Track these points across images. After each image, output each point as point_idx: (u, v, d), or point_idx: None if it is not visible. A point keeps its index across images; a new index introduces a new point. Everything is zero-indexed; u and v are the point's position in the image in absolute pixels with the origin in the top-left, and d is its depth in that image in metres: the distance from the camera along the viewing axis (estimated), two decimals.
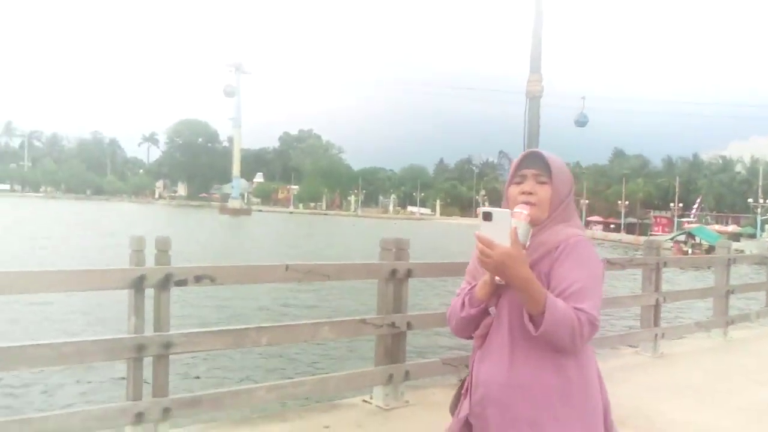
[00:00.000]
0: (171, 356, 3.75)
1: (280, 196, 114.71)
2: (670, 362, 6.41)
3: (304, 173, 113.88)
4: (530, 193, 1.91)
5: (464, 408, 1.94)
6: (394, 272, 4.63)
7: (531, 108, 5.15)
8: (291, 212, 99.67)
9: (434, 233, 49.18)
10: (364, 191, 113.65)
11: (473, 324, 1.93)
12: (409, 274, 4.72)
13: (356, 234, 47.03)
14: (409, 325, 4.72)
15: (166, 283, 3.68)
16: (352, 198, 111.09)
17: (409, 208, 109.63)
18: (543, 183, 1.92)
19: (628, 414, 4.68)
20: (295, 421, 4.22)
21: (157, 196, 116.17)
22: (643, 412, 4.74)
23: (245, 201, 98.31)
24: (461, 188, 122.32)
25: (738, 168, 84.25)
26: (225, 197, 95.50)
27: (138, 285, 3.59)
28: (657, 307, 6.65)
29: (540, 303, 1.72)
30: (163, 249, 3.74)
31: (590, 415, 1.87)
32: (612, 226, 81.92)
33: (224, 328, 3.94)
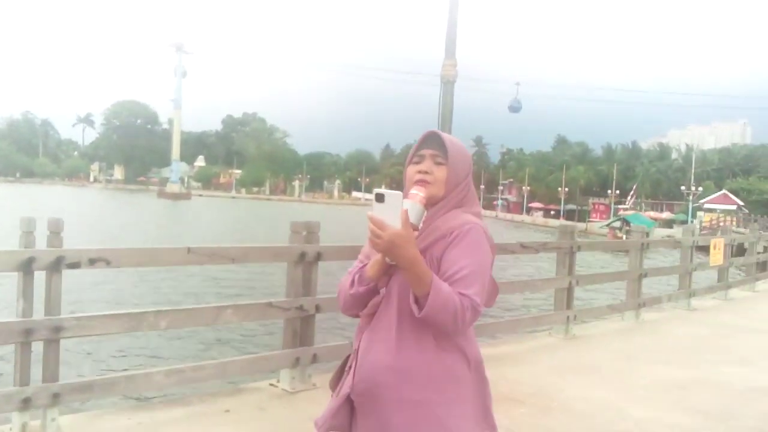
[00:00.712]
0: (79, 340, 3.66)
1: (222, 180, 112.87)
2: (581, 344, 6.63)
3: (247, 157, 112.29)
4: (426, 173, 1.93)
5: (347, 386, 1.93)
6: (303, 255, 4.61)
7: (445, 92, 5.20)
8: (233, 197, 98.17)
9: None
10: (309, 176, 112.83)
11: (361, 302, 1.94)
12: (318, 257, 4.71)
13: (329, 217, 46.63)
14: (318, 308, 4.72)
15: (57, 265, 3.57)
16: (297, 183, 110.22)
17: (354, 194, 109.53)
18: (440, 164, 1.94)
19: (531, 392, 4.84)
20: (197, 405, 4.19)
21: (92, 179, 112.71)
22: (545, 391, 4.89)
23: (185, 185, 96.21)
24: None
25: (674, 155, 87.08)
26: (164, 181, 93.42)
27: (26, 267, 3.48)
28: (570, 290, 6.85)
29: (425, 285, 1.74)
30: (55, 231, 3.63)
31: (475, 397, 1.92)
32: (552, 212, 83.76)
33: (119, 311, 3.85)
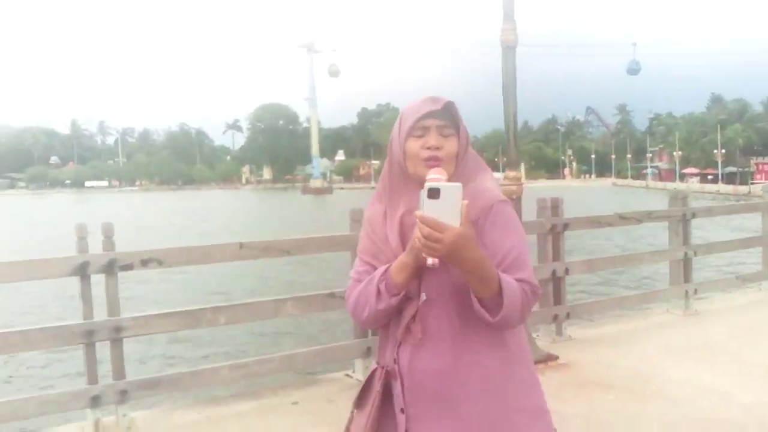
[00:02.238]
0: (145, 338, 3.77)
1: (362, 172, 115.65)
2: (701, 320, 5.95)
3: (383, 147, 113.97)
4: (437, 148, 1.67)
5: (398, 400, 1.69)
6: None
7: (506, 58, 4.81)
8: (372, 187, 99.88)
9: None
10: None
11: (389, 314, 1.68)
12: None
13: None
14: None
15: (110, 268, 3.71)
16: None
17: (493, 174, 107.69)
18: (448, 136, 1.69)
19: (625, 376, 4.40)
20: (266, 398, 4.21)
21: (244, 181, 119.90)
22: (643, 374, 4.43)
23: (327, 179, 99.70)
24: (547, 150, 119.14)
25: None
26: (308, 177, 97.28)
27: (82, 272, 3.64)
28: (687, 261, 6.17)
29: (493, 284, 1.54)
30: (107, 235, 3.77)
31: (533, 383, 1.74)
32: (710, 177, 77.53)
33: (176, 309, 3.94)
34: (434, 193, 1.47)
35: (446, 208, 1.47)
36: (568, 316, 5.38)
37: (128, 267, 3.76)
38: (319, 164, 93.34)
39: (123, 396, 3.72)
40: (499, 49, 4.80)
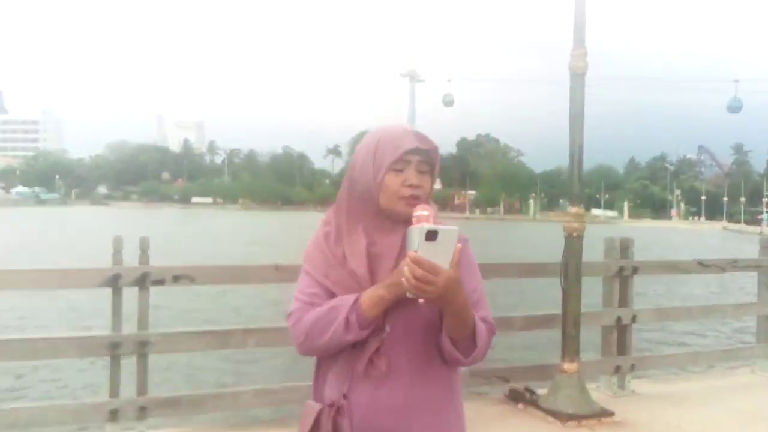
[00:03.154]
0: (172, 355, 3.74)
1: (457, 202, 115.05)
2: None
3: (481, 178, 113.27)
4: (418, 186, 1.62)
5: None
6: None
7: (574, 86, 4.51)
8: (467, 217, 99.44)
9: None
10: (543, 194, 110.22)
11: (349, 344, 1.61)
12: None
13: (529, 239, 45.55)
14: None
15: (142, 281, 3.69)
16: (531, 201, 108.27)
17: (594, 211, 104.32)
18: (424, 173, 1.64)
19: None
20: (294, 428, 4.03)
21: None
22: None
23: None
24: (653, 188, 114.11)
25: None
26: None
27: (114, 283, 3.64)
28: None
29: (469, 326, 1.58)
30: (143, 249, 3.76)
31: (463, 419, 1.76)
32: None
33: (205, 329, 3.87)
34: (432, 236, 1.45)
35: (441, 250, 1.46)
36: (632, 368, 4.92)
37: (160, 282, 3.74)
38: None
39: (142, 412, 3.66)
40: (602, 81, 4.51)
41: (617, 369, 4.86)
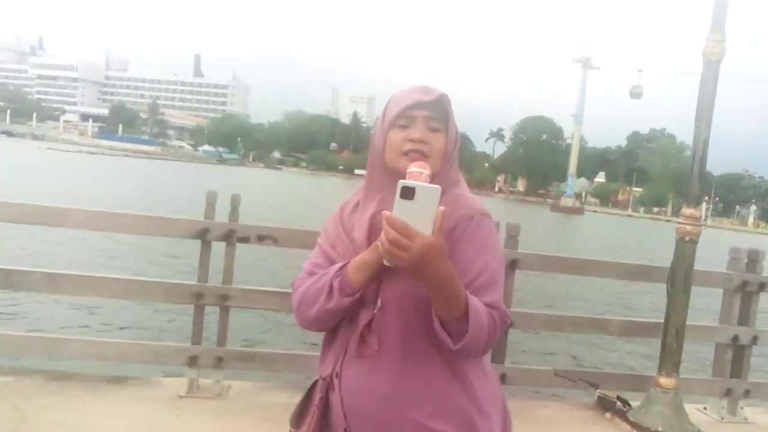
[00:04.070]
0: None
1: (621, 197, 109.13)
2: None
3: (650, 175, 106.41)
4: (422, 141, 1.50)
5: (339, 419, 1.51)
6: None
7: (706, 75, 4.04)
8: (629, 215, 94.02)
9: None
10: (718, 199, 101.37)
11: (338, 316, 1.51)
12: (515, 264, 4.14)
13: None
14: (512, 324, 4.15)
15: (229, 237, 3.84)
16: (703, 206, 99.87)
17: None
18: (436, 130, 1.52)
19: None
20: None
21: (496, 189, 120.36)
22: None
23: (582, 200, 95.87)
24: None
25: None
26: (560, 195, 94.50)
27: (203, 236, 3.82)
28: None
29: (459, 306, 1.38)
30: (234, 206, 3.90)
31: (496, 418, 1.54)
32: None
33: (282, 289, 3.95)
34: (408, 193, 1.29)
35: (419, 212, 1.29)
36: (747, 393, 4.39)
37: (245, 240, 3.87)
38: (574, 183, 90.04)
39: (218, 362, 3.84)
40: None
41: (728, 392, 4.37)
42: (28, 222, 3.64)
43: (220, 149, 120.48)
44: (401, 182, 1.29)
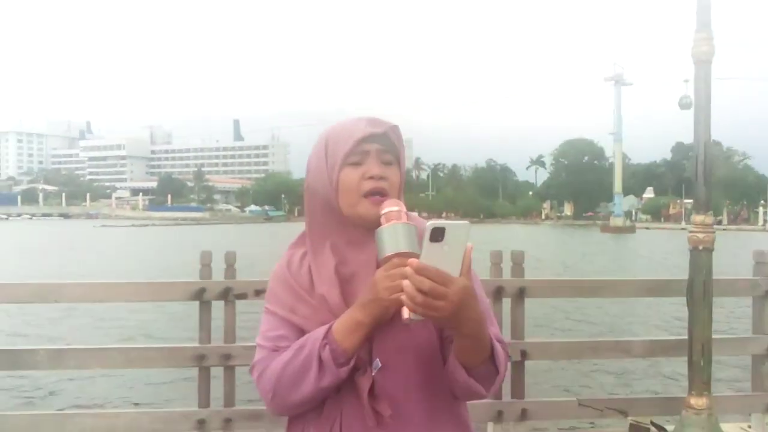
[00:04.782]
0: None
1: (672, 211, 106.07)
2: None
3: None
4: (381, 178, 1.37)
5: None
6: (499, 290, 3.98)
7: (698, 76, 3.89)
8: (682, 228, 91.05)
9: None
10: None
11: (329, 392, 1.33)
12: (522, 293, 3.99)
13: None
14: (524, 354, 3.98)
15: (226, 295, 3.81)
16: (760, 210, 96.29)
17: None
18: (389, 164, 1.40)
19: None
20: None
21: (543, 216, 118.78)
22: None
23: (633, 218, 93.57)
24: None
25: None
26: (608, 215, 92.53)
27: (200, 297, 3.79)
28: None
29: (486, 348, 1.28)
30: (229, 263, 3.87)
31: None
32: None
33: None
34: (438, 235, 1.15)
35: (449, 253, 1.16)
36: None
37: (243, 296, 3.83)
38: (622, 202, 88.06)
39: (227, 424, 3.76)
40: None
41: None
42: (26, 301, 3.69)
43: (266, 207, 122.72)
44: (431, 224, 1.16)
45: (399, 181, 1.41)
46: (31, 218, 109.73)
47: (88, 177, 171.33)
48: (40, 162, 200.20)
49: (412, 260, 1.15)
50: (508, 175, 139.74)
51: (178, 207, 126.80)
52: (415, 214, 1.49)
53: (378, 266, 1.27)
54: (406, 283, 1.15)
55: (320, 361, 1.27)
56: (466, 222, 1.19)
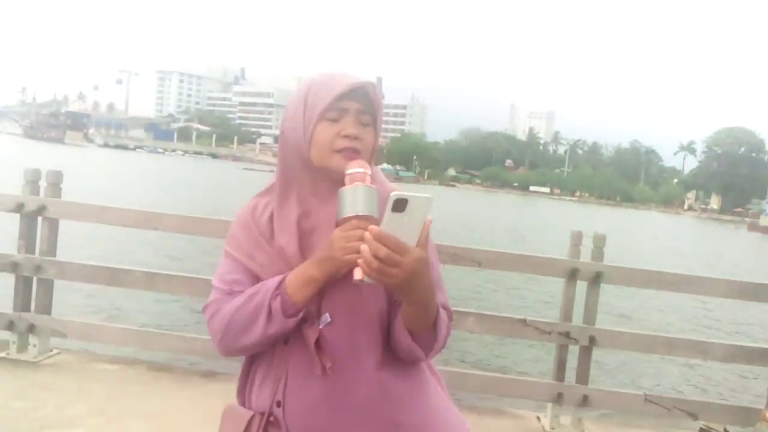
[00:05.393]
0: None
1: None
2: None
3: None
4: (357, 138, 1.36)
5: None
6: (574, 272, 3.88)
7: None
8: None
9: None
10: None
11: (278, 340, 1.37)
12: (598, 277, 3.88)
13: None
14: (592, 341, 3.89)
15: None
16: None
17: None
18: (366, 125, 1.39)
19: None
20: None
21: (686, 207, 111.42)
22: None
23: None
24: None
25: None
26: (759, 213, 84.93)
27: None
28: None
29: (431, 316, 1.32)
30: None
31: (451, 408, 1.50)
32: None
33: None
34: (400, 205, 1.18)
35: (409, 223, 1.19)
36: None
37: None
38: None
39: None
40: None
41: None
42: (130, 225, 4.08)
43: (397, 167, 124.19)
44: (394, 194, 1.17)
45: (373, 143, 1.40)
46: (183, 155, 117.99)
47: (238, 121, 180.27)
48: (197, 102, 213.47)
49: (372, 227, 1.18)
50: (653, 159, 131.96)
51: None
52: (384, 178, 1.47)
53: (337, 225, 1.29)
54: (363, 247, 1.18)
55: (270, 310, 1.31)
56: (429, 196, 1.19)
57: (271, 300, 1.31)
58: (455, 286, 12.11)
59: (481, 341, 8.03)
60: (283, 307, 1.30)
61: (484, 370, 5.87)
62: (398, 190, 1.19)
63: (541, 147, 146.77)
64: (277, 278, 1.33)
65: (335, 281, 1.31)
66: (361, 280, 1.20)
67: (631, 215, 78.98)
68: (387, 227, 1.17)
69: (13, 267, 3.99)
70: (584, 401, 3.89)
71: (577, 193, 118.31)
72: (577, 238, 3.91)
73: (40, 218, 4.02)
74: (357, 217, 1.24)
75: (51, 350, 4.13)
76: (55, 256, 4.06)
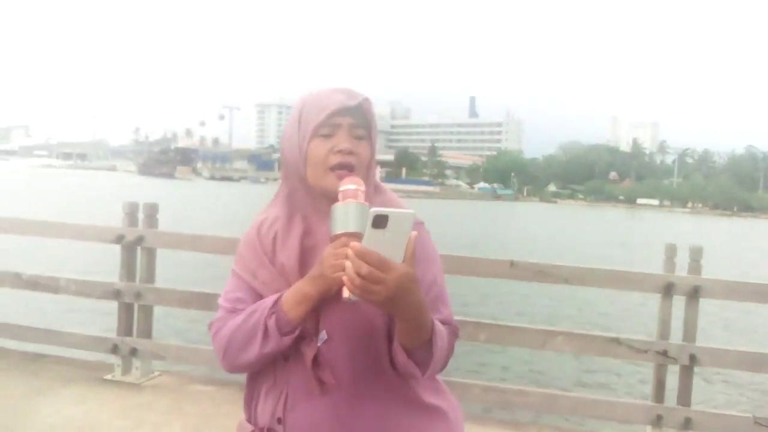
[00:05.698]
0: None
1: None
2: None
3: None
4: (351, 153, 1.37)
5: None
6: (669, 286, 3.68)
7: None
8: None
9: None
10: None
11: (275, 357, 1.38)
12: (697, 291, 3.66)
13: None
14: (693, 359, 3.65)
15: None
16: None
17: None
18: (360, 138, 1.39)
19: None
20: None
21: None
22: None
23: None
24: None
25: None
26: None
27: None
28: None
29: (426, 333, 1.29)
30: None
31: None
32: None
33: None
34: (381, 222, 1.17)
35: (392, 239, 1.18)
36: None
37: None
38: None
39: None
40: None
41: None
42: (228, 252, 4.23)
43: (495, 185, 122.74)
44: (373, 210, 1.17)
45: (369, 157, 1.39)
46: None
47: None
48: None
49: (354, 243, 1.17)
50: None
51: (411, 180, 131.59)
52: (394, 195, 1.49)
53: (330, 242, 1.28)
54: (347, 264, 1.17)
55: (265, 328, 1.31)
56: (411, 211, 1.19)
57: (267, 318, 1.32)
58: (527, 302, 12.01)
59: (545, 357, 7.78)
60: (278, 325, 1.31)
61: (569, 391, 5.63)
62: (386, 207, 1.19)
63: (646, 158, 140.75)
64: (274, 296, 1.35)
65: (333, 298, 1.30)
66: (349, 299, 1.20)
67: (750, 225, 73.83)
68: (370, 244, 1.17)
69: (116, 294, 4.27)
70: (686, 424, 3.68)
71: (689, 204, 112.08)
72: (671, 251, 3.72)
73: (138, 248, 4.27)
74: (346, 234, 1.24)
75: (153, 372, 4.34)
76: (153, 282, 4.30)
